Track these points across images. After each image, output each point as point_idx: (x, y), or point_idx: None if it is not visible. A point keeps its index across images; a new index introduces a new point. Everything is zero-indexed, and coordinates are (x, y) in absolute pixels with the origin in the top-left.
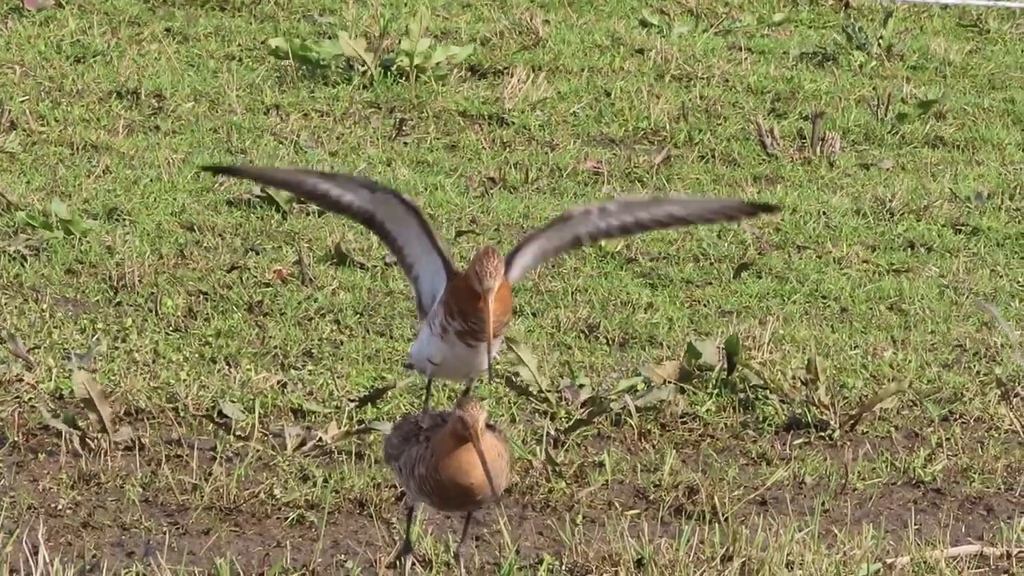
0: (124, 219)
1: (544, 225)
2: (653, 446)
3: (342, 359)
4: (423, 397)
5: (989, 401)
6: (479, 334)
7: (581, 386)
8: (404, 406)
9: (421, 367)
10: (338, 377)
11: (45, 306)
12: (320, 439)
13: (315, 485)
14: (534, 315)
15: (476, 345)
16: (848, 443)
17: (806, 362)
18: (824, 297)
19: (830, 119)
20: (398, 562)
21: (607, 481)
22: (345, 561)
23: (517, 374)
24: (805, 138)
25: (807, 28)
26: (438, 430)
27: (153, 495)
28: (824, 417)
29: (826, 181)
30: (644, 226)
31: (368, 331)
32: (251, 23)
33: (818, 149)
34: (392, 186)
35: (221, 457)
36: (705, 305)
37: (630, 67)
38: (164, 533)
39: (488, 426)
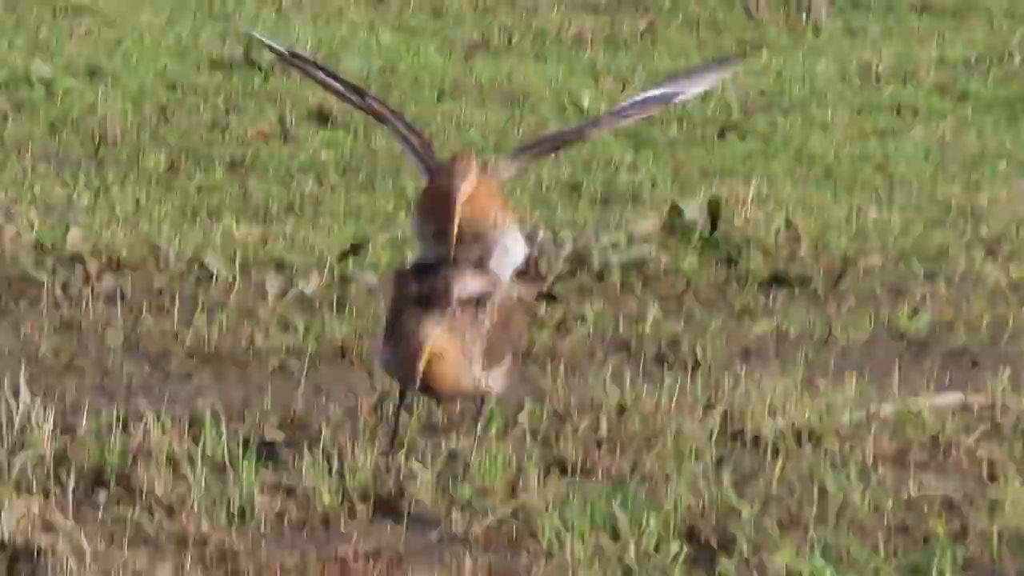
0: (106, 78)
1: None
2: (636, 299)
3: (324, 214)
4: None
5: (975, 258)
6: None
7: (563, 242)
8: (384, 260)
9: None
10: (320, 231)
11: (27, 162)
12: (301, 290)
13: (296, 333)
14: None
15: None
16: (832, 298)
17: (787, 221)
18: (809, 157)
19: None
20: (379, 406)
21: (589, 332)
22: (327, 404)
23: None
24: (790, 4)
25: None
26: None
27: (135, 343)
28: (807, 273)
29: (812, 46)
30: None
31: (349, 188)
32: None
33: (804, 16)
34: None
35: (203, 306)
36: (688, 166)
37: None
38: (146, 378)
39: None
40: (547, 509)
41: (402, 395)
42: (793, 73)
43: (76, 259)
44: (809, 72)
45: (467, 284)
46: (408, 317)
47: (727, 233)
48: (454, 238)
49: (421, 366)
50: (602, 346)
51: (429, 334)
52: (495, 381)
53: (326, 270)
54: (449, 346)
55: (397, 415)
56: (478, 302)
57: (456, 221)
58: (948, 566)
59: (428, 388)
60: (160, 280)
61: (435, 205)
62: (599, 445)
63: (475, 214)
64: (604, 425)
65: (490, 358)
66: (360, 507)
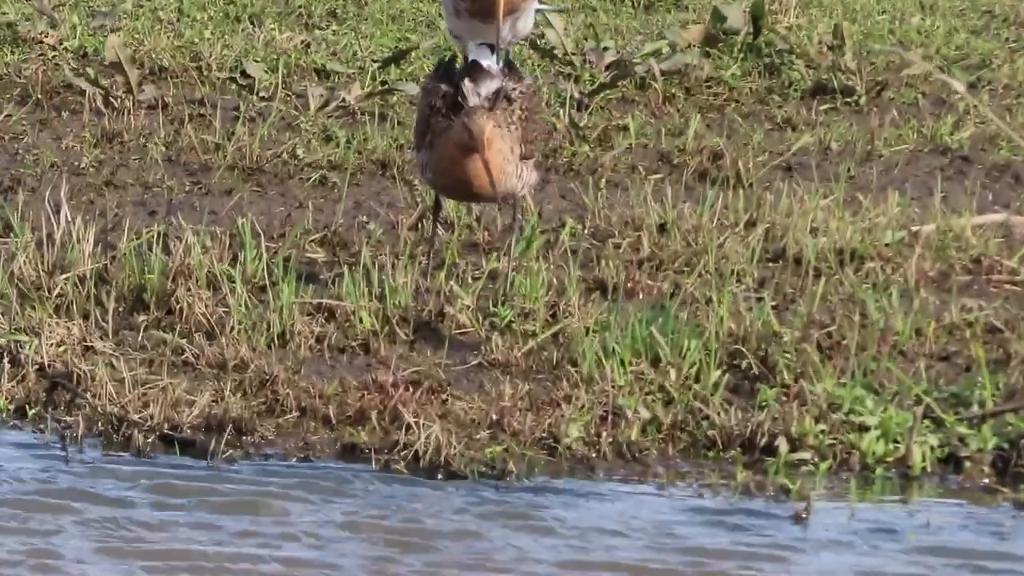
0: None
1: None
2: (678, 110)
3: (366, 19)
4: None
5: (1018, 68)
6: (487, 12)
7: (606, 49)
8: (427, 67)
9: (450, 37)
10: (362, 37)
11: None
12: (343, 100)
13: (338, 146)
14: None
15: (490, 21)
16: (874, 109)
17: (833, 27)
18: None
19: None
20: (420, 224)
21: (631, 145)
22: (367, 222)
23: (542, 36)
24: None
25: None
26: (444, 134)
27: (176, 154)
28: (850, 83)
29: None
30: None
31: None
32: None
33: None
34: None
35: (244, 117)
36: None
37: None
38: (186, 192)
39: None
40: (587, 334)
41: (437, 207)
42: None
43: (117, 67)
44: None
45: (485, 83)
46: (445, 121)
47: (770, 40)
48: (501, 21)
49: (484, 151)
50: (643, 160)
51: (484, 126)
52: (529, 174)
53: (368, 79)
54: (495, 137)
55: (434, 230)
56: (500, 95)
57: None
58: (989, 394)
59: (469, 185)
60: (201, 89)
61: None
62: (640, 266)
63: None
64: (645, 244)
65: (525, 148)
66: (400, 331)
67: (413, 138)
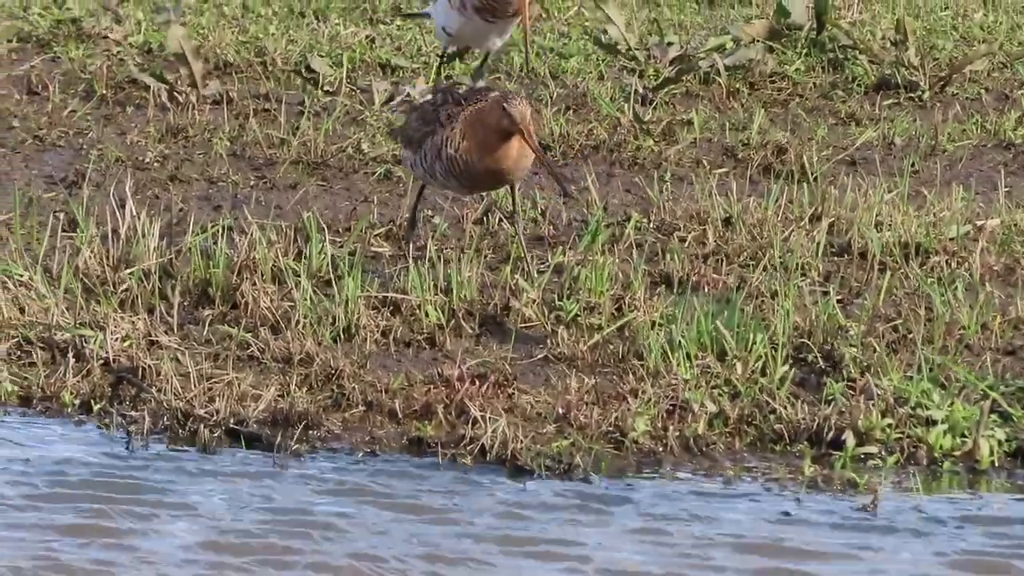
0: None
1: None
2: (742, 105)
3: None
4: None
5: None
6: (498, 11)
7: (670, 44)
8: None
9: (438, 34)
10: (426, 32)
11: None
12: (408, 94)
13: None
14: None
15: (493, 21)
16: (938, 104)
17: (896, 22)
18: None
19: None
20: (485, 218)
21: (695, 139)
22: (432, 216)
23: (605, 32)
24: None
25: None
26: (463, 113)
27: (240, 149)
28: (914, 78)
29: None
30: None
31: None
32: None
33: None
34: None
35: (309, 111)
36: None
37: None
38: (251, 187)
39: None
40: (653, 327)
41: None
42: None
43: (181, 59)
44: None
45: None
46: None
47: (833, 35)
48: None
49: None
50: (708, 154)
51: (525, 110)
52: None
53: (433, 73)
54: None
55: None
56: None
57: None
58: None
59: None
60: (266, 84)
61: None
62: (705, 260)
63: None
64: (710, 238)
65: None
66: (466, 324)
67: (401, 141)
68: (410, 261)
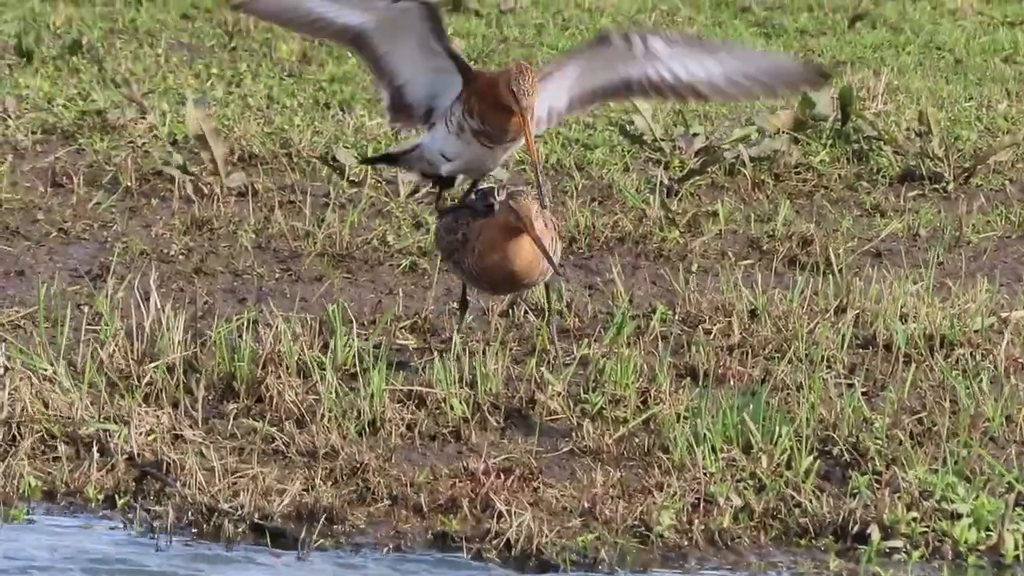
0: None
1: (568, 53)
2: (767, 196)
3: None
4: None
5: None
6: (496, 137)
7: (695, 135)
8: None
9: (433, 161)
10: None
11: (160, 51)
12: (433, 185)
13: (428, 232)
14: None
15: (492, 147)
16: (962, 195)
17: (919, 113)
18: (938, 48)
19: None
20: (511, 310)
21: (720, 231)
22: (458, 309)
23: (631, 122)
24: None
25: None
26: (476, 222)
27: (265, 241)
28: (938, 169)
29: None
30: (697, 92)
31: None
32: None
33: None
34: None
35: (334, 203)
36: (819, 55)
37: None
38: (276, 279)
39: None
40: (678, 420)
41: (464, 306)
42: None
43: (203, 144)
44: None
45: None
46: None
47: (858, 127)
48: (536, 156)
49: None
50: (733, 246)
51: (530, 206)
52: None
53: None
54: (554, 233)
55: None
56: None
57: (532, 134)
58: None
59: (511, 265)
60: (291, 176)
61: (490, 108)
62: (731, 352)
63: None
64: (736, 330)
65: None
66: (491, 417)
67: (439, 252)
68: (455, 336)
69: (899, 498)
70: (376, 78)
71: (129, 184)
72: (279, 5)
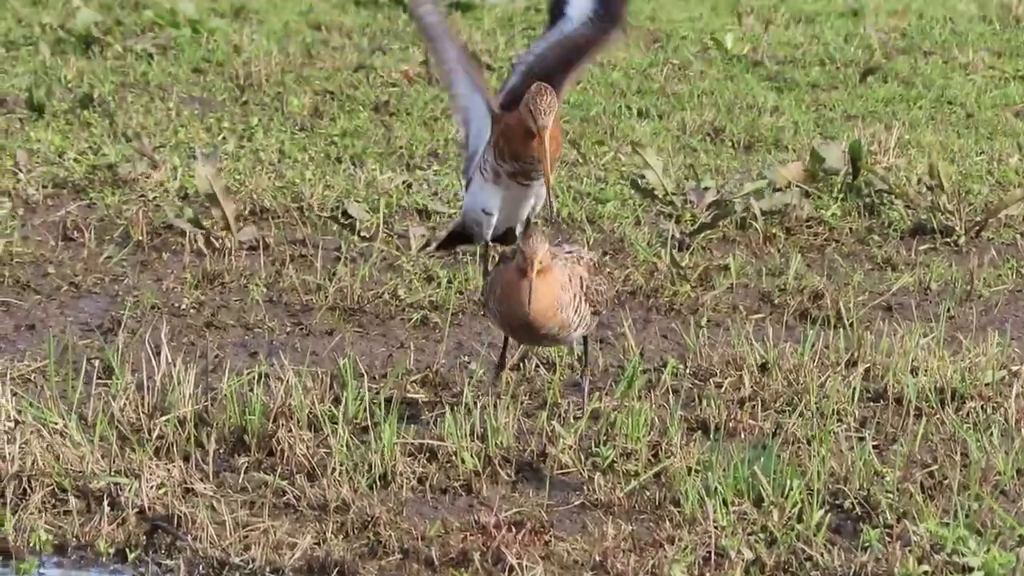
0: (252, 18)
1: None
2: (778, 250)
3: None
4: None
5: None
6: (531, 172)
7: (706, 189)
8: None
9: (476, 220)
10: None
11: (171, 104)
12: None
13: (439, 286)
14: (660, 117)
15: (529, 183)
16: (973, 249)
17: (930, 167)
18: (950, 103)
19: None
20: (522, 364)
21: (732, 285)
22: (469, 362)
23: (643, 176)
24: None
25: None
26: (505, 264)
27: (277, 295)
28: (949, 223)
29: None
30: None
31: None
32: None
33: None
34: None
35: (345, 257)
36: (831, 109)
37: None
38: (287, 333)
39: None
40: (690, 474)
41: (506, 343)
42: (934, 13)
43: (213, 202)
44: (950, 12)
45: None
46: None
47: (869, 180)
48: (549, 174)
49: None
50: (744, 300)
51: (536, 247)
52: (590, 319)
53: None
54: (549, 263)
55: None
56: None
57: (549, 158)
58: None
59: (523, 309)
60: (303, 230)
61: (519, 142)
62: (742, 405)
63: (558, 150)
64: (747, 383)
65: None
66: (502, 471)
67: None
68: (492, 396)
69: (910, 551)
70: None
71: (140, 238)
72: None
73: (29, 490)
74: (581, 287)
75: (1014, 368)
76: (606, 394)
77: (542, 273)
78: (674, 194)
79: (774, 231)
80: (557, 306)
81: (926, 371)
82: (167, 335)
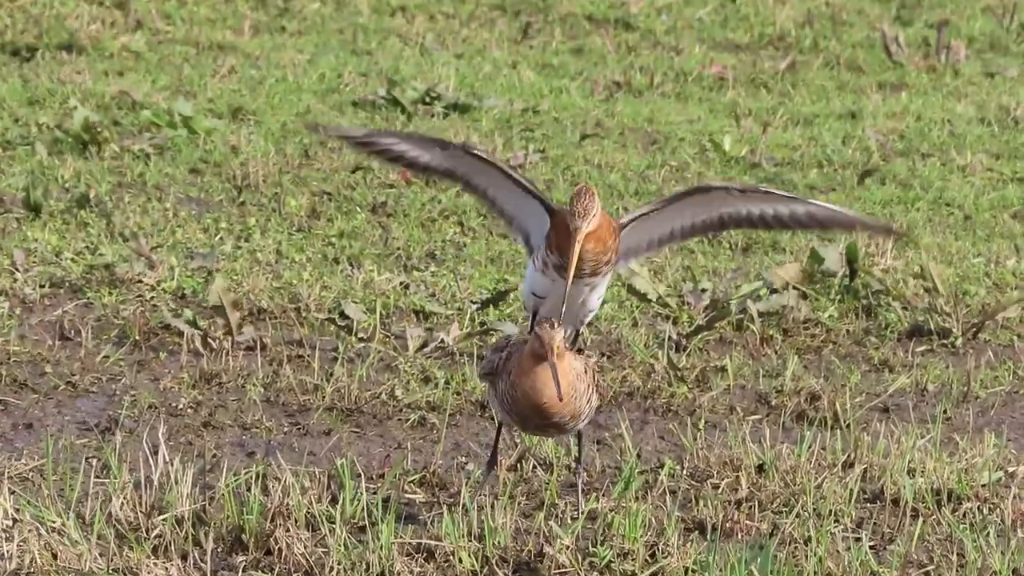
0: (248, 119)
1: (673, 195)
2: (775, 351)
3: (465, 261)
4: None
5: None
6: (581, 268)
7: (703, 290)
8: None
9: (528, 302)
10: (460, 279)
11: (168, 205)
12: (442, 340)
13: (437, 387)
14: None
15: (577, 280)
16: (970, 351)
17: (920, 268)
18: (947, 204)
19: (955, 27)
20: (519, 464)
21: (729, 386)
22: (466, 463)
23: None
24: (930, 46)
25: None
26: (520, 348)
27: (274, 395)
28: (946, 324)
29: (951, 89)
30: (782, 222)
31: (491, 233)
32: None
33: (943, 57)
34: (464, 138)
35: (343, 358)
36: None
37: None
38: (285, 433)
39: (578, 351)
40: (686, 574)
41: (499, 432)
42: (932, 115)
43: (219, 310)
44: (948, 115)
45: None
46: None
47: (866, 282)
48: (573, 269)
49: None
50: (741, 401)
51: (554, 334)
52: (593, 408)
53: (467, 320)
54: (565, 351)
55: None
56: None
57: (575, 258)
58: None
59: (540, 397)
60: (300, 331)
61: (564, 237)
62: (739, 506)
63: (601, 254)
64: (744, 484)
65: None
66: (499, 571)
67: (480, 371)
68: (464, 490)
69: None
70: (503, 223)
71: (137, 338)
72: (353, 136)
73: None
74: (593, 378)
75: (1010, 469)
76: (603, 495)
77: (559, 359)
78: (669, 296)
79: (771, 332)
80: (572, 393)
81: (923, 472)
82: (164, 434)
